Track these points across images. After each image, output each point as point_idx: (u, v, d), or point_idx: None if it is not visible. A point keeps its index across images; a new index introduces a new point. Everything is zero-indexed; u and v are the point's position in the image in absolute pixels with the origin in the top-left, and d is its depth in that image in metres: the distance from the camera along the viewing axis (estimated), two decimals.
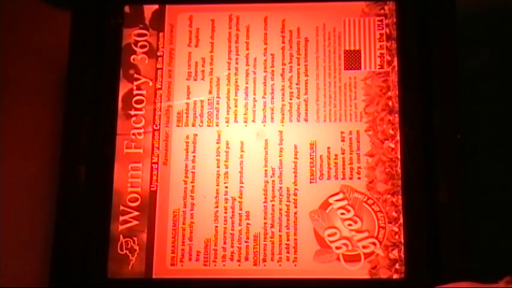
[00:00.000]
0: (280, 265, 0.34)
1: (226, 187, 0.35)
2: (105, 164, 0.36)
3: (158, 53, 0.37)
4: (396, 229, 0.34)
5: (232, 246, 0.34)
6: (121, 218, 0.35)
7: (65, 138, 0.36)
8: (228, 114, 0.36)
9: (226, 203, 0.35)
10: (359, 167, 0.35)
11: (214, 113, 0.36)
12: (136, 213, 0.35)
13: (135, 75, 0.37)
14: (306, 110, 0.36)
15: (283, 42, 0.37)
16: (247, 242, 0.34)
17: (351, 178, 0.35)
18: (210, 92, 0.36)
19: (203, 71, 0.36)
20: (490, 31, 0.43)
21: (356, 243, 0.34)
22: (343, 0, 0.37)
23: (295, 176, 0.35)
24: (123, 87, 0.36)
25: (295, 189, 0.35)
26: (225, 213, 0.35)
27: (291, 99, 0.36)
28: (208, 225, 0.35)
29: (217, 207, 0.35)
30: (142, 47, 0.37)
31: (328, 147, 0.35)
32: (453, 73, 0.35)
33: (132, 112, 0.36)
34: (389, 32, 0.36)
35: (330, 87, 0.36)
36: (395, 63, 0.36)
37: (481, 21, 0.43)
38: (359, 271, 0.34)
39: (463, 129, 0.34)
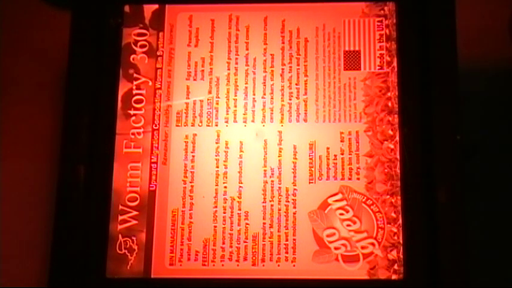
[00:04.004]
0: (279, 265, 0.34)
1: (226, 187, 0.35)
2: (104, 164, 0.36)
3: (158, 53, 0.37)
4: (395, 230, 0.34)
5: (231, 246, 0.34)
6: (120, 218, 0.35)
7: (64, 137, 0.36)
8: (227, 114, 0.36)
9: (225, 203, 0.35)
10: (358, 168, 0.35)
11: (214, 113, 0.36)
12: (135, 212, 0.35)
13: (135, 75, 0.37)
14: (306, 110, 0.36)
15: (283, 43, 0.37)
16: (246, 242, 0.34)
17: (350, 178, 0.35)
18: (210, 92, 0.36)
19: (203, 70, 0.36)
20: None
21: (355, 243, 0.34)
22: (343, 1, 0.37)
23: (294, 176, 0.35)
24: (123, 87, 0.36)
25: (294, 189, 0.35)
26: (224, 213, 0.35)
27: (290, 100, 0.36)
28: (207, 225, 0.35)
29: (216, 207, 0.35)
30: (142, 46, 0.37)
31: (328, 148, 0.35)
32: (453, 73, 0.35)
33: (132, 112, 0.36)
34: (389, 33, 0.36)
35: (330, 88, 0.36)
36: (394, 63, 0.36)
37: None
38: (358, 271, 0.34)
39: (463, 129, 0.34)
